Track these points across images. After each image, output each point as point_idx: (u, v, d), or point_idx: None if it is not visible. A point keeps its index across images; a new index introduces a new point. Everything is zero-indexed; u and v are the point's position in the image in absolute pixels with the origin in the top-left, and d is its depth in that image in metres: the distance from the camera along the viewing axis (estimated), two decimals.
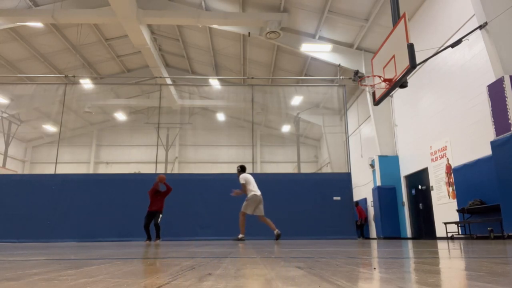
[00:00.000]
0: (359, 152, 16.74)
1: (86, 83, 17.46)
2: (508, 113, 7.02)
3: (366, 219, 16.01)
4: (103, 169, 25.09)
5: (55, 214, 10.79)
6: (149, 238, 8.97)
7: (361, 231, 15.96)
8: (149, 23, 14.26)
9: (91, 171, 24.82)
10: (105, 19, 13.17)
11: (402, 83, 7.02)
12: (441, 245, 4.69)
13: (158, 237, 8.95)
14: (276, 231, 7.99)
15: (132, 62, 19.75)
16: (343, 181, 11.20)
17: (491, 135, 7.87)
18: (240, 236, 8.07)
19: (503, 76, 7.16)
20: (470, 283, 1.14)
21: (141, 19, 13.05)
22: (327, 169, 20.60)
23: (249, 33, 13.47)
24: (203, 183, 11.20)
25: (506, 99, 7.06)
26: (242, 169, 8.64)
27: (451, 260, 2.12)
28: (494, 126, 7.37)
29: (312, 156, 25.27)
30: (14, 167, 23.20)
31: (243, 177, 8.40)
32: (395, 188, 12.91)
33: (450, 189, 9.79)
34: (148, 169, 23.41)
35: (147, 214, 9.04)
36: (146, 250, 3.95)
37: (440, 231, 10.25)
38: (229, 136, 25.66)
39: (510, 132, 6.93)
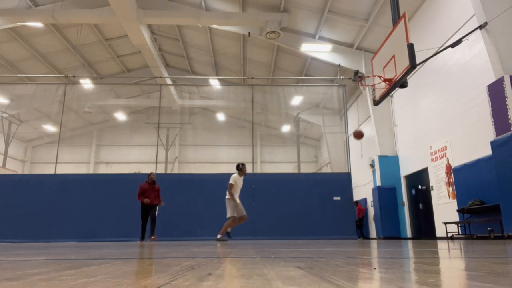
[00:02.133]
0: (359, 152, 16.74)
1: (86, 83, 17.46)
2: (508, 113, 7.02)
3: (363, 218, 15.98)
4: (103, 169, 25.08)
5: (55, 214, 10.79)
6: (143, 237, 8.81)
7: (361, 231, 15.95)
8: (149, 23, 14.25)
9: (91, 171, 24.82)
10: (105, 19, 13.17)
11: (402, 83, 7.02)
12: (441, 245, 4.69)
13: (153, 233, 8.77)
14: (220, 236, 7.71)
15: (132, 62, 19.75)
16: (343, 181, 11.21)
17: (491, 135, 7.87)
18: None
19: (503, 76, 7.16)
20: (470, 283, 1.14)
21: (141, 19, 13.05)
22: (327, 169, 20.60)
23: (249, 33, 13.47)
24: (203, 183, 11.21)
25: (506, 99, 7.06)
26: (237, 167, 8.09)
27: (451, 260, 2.11)
28: (494, 126, 7.37)
29: (312, 156, 25.27)
30: (14, 167, 23.20)
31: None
32: (395, 188, 12.91)
33: (450, 189, 9.79)
34: (148, 169, 23.39)
35: (146, 209, 8.82)
36: (146, 250, 3.95)
37: (440, 231, 10.25)
38: (229, 136, 25.67)
39: (510, 132, 6.93)
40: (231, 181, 7.82)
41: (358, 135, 8.06)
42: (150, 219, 8.88)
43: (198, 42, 17.26)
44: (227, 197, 7.84)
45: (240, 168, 8.02)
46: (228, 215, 7.75)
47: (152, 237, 8.74)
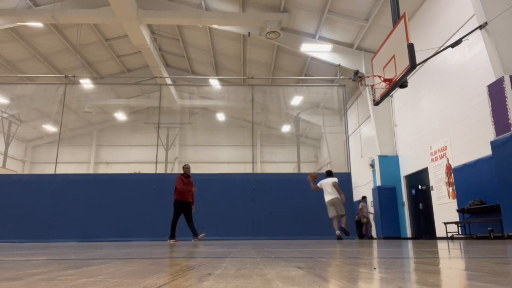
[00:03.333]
0: (359, 152, 16.74)
1: (86, 83, 17.46)
2: (508, 113, 7.02)
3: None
4: (103, 169, 25.08)
5: (55, 214, 10.79)
6: (174, 236, 8.10)
7: (361, 231, 15.92)
8: (149, 23, 14.25)
9: (91, 171, 24.82)
10: (105, 19, 13.17)
11: (402, 83, 7.02)
12: (441, 245, 4.68)
13: (196, 232, 8.07)
14: (336, 232, 8.43)
15: (132, 62, 19.74)
16: (343, 181, 11.19)
17: (491, 135, 7.87)
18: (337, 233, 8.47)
19: (503, 76, 7.16)
20: (470, 283, 1.14)
21: (141, 19, 13.04)
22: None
23: (249, 33, 13.47)
24: (203, 183, 11.20)
25: (506, 99, 7.06)
26: (327, 174, 9.17)
27: (451, 260, 2.11)
28: (494, 126, 7.37)
29: (312, 156, 25.26)
30: (14, 167, 23.19)
31: (319, 182, 9.05)
32: (395, 188, 12.91)
33: (450, 189, 9.79)
34: (148, 169, 23.38)
35: (182, 207, 8.06)
36: (147, 250, 3.95)
37: (440, 231, 10.25)
38: (229, 136, 25.66)
39: (510, 132, 6.93)
40: (337, 183, 8.84)
41: (312, 177, 8.82)
42: (186, 220, 8.12)
43: (198, 42, 17.26)
44: (336, 197, 8.69)
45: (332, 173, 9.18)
46: (342, 212, 8.66)
47: (200, 235, 8.08)
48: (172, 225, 8.20)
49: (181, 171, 8.62)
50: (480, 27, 7.55)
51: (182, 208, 8.19)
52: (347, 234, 8.45)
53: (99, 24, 15.82)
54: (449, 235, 9.55)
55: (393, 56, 7.00)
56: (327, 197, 8.77)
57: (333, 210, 8.65)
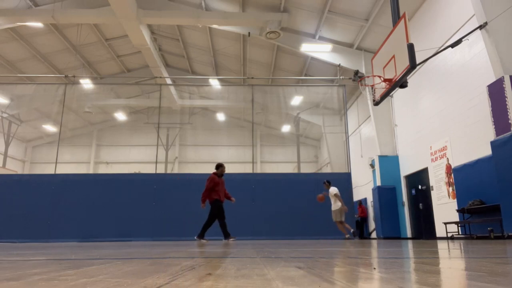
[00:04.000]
0: (359, 152, 16.74)
1: (86, 83, 17.46)
2: (508, 113, 7.02)
3: (365, 219, 16.00)
4: (103, 169, 25.08)
5: (55, 214, 10.79)
6: (229, 234, 7.69)
7: (361, 230, 15.95)
8: (149, 23, 14.24)
9: (91, 171, 24.82)
10: (105, 19, 13.17)
11: (402, 83, 7.02)
12: (441, 245, 4.68)
13: (203, 235, 7.81)
14: (347, 236, 9.57)
15: (132, 62, 19.74)
16: (343, 181, 11.20)
17: (491, 135, 7.87)
18: (347, 236, 9.61)
19: (503, 76, 7.16)
20: (470, 283, 1.14)
21: (141, 19, 13.05)
22: (327, 169, 20.60)
23: (249, 33, 13.48)
24: (203, 183, 11.20)
25: (506, 99, 7.06)
26: (329, 183, 10.03)
27: (451, 260, 2.11)
28: (494, 126, 7.37)
29: (312, 156, 25.27)
30: (14, 167, 23.20)
31: (334, 190, 9.82)
32: (395, 188, 12.91)
33: (450, 189, 9.79)
34: (148, 169, 23.40)
35: (221, 205, 7.68)
36: (146, 250, 3.95)
37: (440, 231, 10.25)
38: (229, 136, 25.67)
39: (510, 132, 6.93)
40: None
41: (321, 199, 9.53)
42: (208, 219, 7.75)
43: (198, 42, 17.26)
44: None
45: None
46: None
47: (204, 240, 7.80)
48: (222, 226, 7.74)
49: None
50: (480, 27, 7.55)
51: (221, 206, 7.76)
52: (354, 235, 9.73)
53: (99, 24, 15.82)
54: (449, 235, 9.55)
55: (393, 56, 7.00)
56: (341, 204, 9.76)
57: (344, 215, 9.76)
